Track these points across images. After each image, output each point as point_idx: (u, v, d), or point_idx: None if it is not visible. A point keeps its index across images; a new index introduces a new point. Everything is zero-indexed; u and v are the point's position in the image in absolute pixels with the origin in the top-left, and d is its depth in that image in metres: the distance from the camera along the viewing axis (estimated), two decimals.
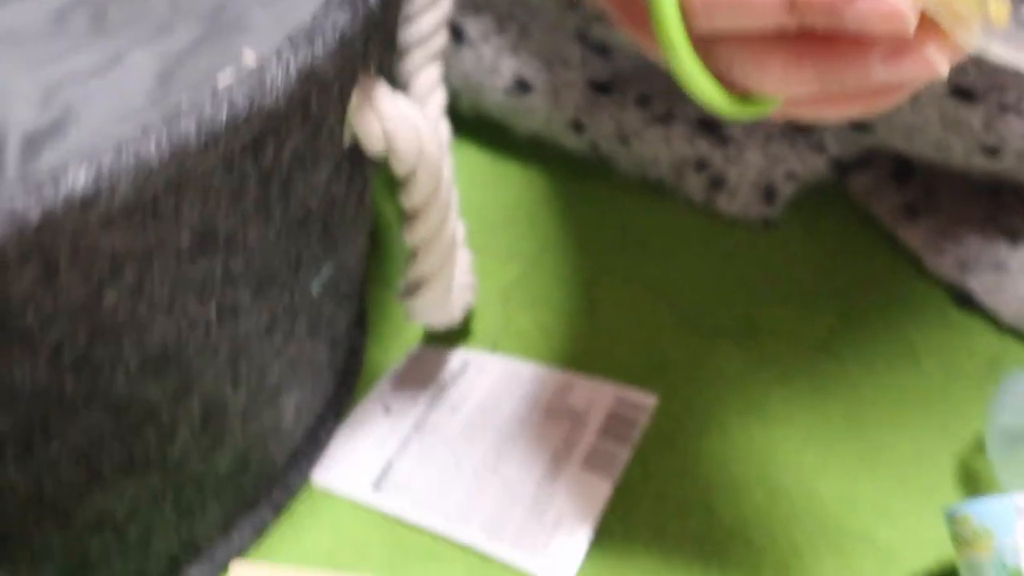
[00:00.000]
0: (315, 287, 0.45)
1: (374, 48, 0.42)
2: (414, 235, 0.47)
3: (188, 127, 0.34)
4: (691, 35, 0.35)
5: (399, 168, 0.44)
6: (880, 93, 0.34)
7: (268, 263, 0.41)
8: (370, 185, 0.48)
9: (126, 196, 0.33)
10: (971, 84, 0.54)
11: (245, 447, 0.46)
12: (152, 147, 0.33)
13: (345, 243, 0.46)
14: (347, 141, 0.43)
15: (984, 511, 0.42)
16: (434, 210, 0.46)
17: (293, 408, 0.48)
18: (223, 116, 0.34)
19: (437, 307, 0.51)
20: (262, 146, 0.37)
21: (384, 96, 0.43)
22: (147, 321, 0.37)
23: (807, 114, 0.35)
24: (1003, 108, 0.54)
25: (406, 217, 0.47)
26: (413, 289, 0.50)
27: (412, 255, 0.48)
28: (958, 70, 0.54)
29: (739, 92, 0.35)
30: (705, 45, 0.35)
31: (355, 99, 0.42)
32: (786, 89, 0.34)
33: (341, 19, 0.38)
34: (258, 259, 0.40)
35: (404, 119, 0.43)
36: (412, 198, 0.46)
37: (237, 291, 0.40)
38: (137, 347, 0.37)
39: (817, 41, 0.33)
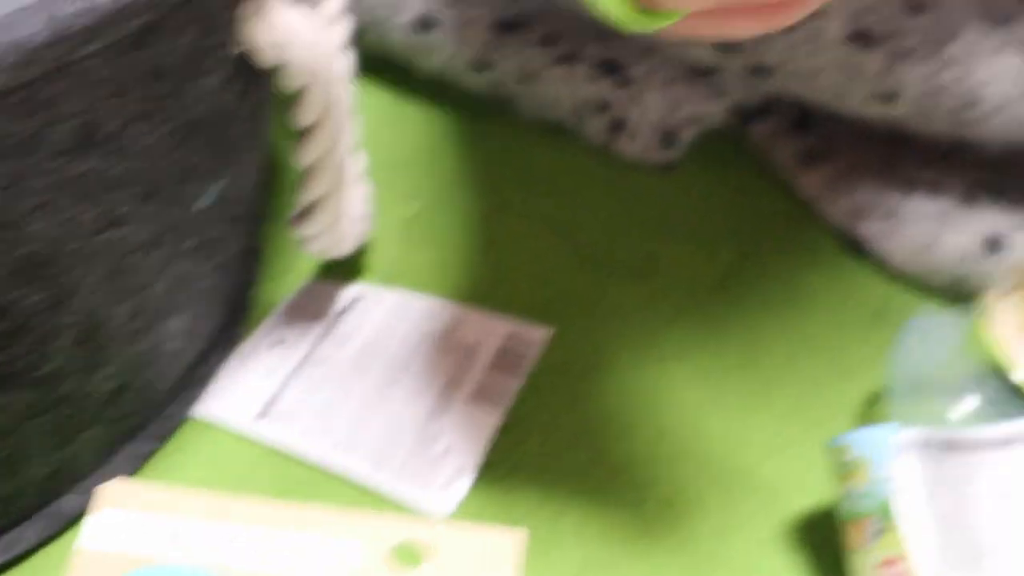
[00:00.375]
0: (205, 201, 0.44)
1: None
2: (305, 157, 0.46)
3: (70, 9, 0.33)
4: None
5: (290, 82, 0.44)
6: (780, 6, 0.34)
7: (153, 171, 0.40)
8: (266, 105, 0.48)
9: (3, 79, 0.32)
10: (869, 29, 0.54)
11: (126, 370, 0.45)
12: (32, 28, 0.32)
13: (236, 160, 0.46)
14: (238, 49, 0.42)
15: (863, 440, 0.42)
16: (325, 131, 0.45)
17: (178, 333, 0.47)
18: (108, 1, 0.33)
19: (329, 235, 0.50)
20: (149, 40, 0.36)
21: (277, 6, 0.42)
22: (21, 221, 0.36)
23: (708, 29, 0.35)
24: (901, 54, 0.54)
25: (297, 138, 0.46)
26: (304, 214, 0.49)
27: (303, 178, 0.48)
28: (857, 14, 0.54)
29: (642, 4, 0.35)
30: None
31: (248, 4, 0.41)
32: (688, 2, 0.34)
33: None
34: (142, 165, 0.39)
35: (297, 31, 0.42)
36: (303, 117, 0.45)
37: (118, 198, 0.39)
38: (9, 248, 0.36)
39: None
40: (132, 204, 0.40)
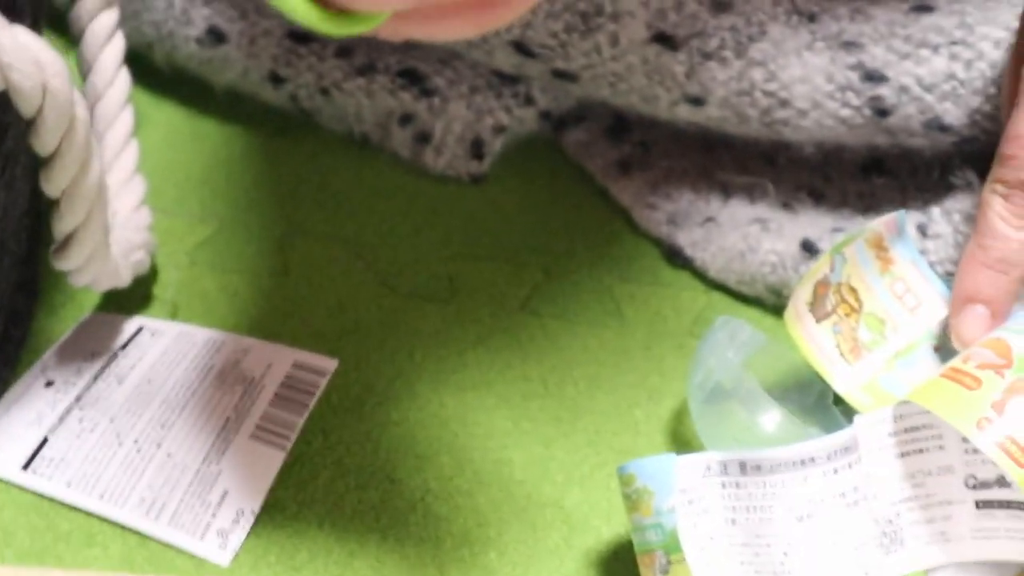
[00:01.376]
0: None
1: None
2: (51, 185, 0.43)
3: None
4: None
5: (23, 107, 0.40)
6: (486, 6, 0.31)
7: None
8: (10, 132, 0.44)
9: None
10: (672, 30, 0.52)
11: None
12: None
13: None
14: None
15: (646, 469, 0.40)
16: (69, 156, 0.42)
17: None
18: None
19: (95, 267, 0.47)
20: None
21: None
22: None
23: (416, 32, 0.32)
24: (705, 55, 0.52)
25: (41, 165, 0.42)
26: (62, 247, 0.45)
27: (55, 208, 0.44)
28: (658, 14, 0.52)
29: (335, 7, 0.32)
30: None
31: None
32: (383, 4, 0.31)
33: None
34: None
35: (22, 51, 0.39)
36: (43, 142, 0.41)
37: None
38: None
39: None
40: None
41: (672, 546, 0.39)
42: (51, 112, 0.40)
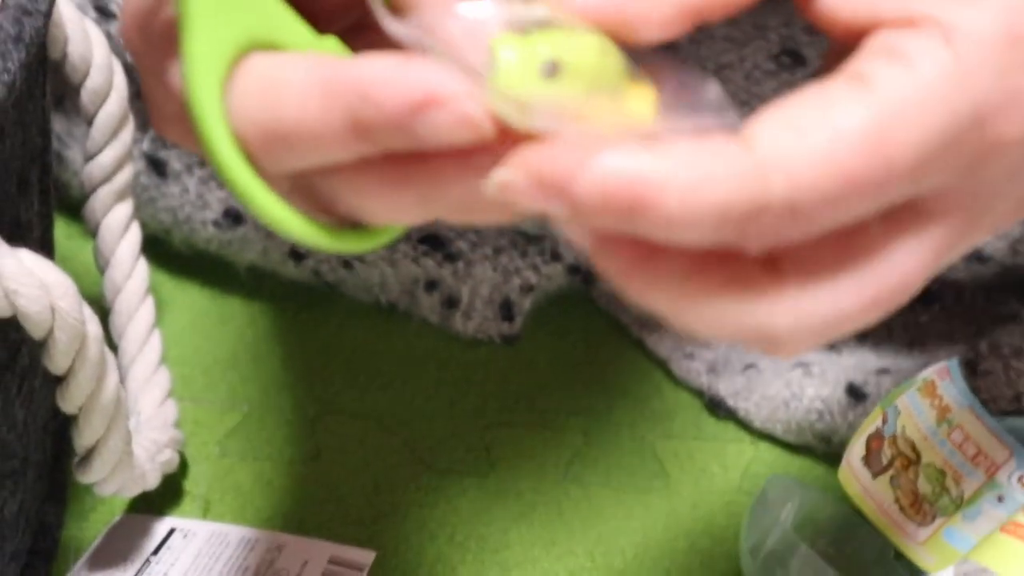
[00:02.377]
0: None
1: None
2: (67, 402, 0.42)
3: None
4: (265, 175, 0.30)
5: (33, 330, 0.39)
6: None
7: None
8: (24, 347, 0.43)
9: None
10: None
11: None
12: None
13: None
14: None
15: None
16: (83, 374, 0.41)
17: None
18: None
19: (120, 476, 0.45)
20: None
21: (1, 252, 0.38)
22: None
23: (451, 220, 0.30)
24: None
25: (56, 382, 0.41)
26: (84, 461, 0.44)
27: (74, 424, 0.43)
28: None
29: (341, 224, 0.31)
30: (298, 178, 0.30)
31: None
32: (397, 216, 0.30)
33: None
34: None
35: (27, 275, 0.38)
36: (55, 362, 0.40)
37: None
38: None
39: (415, 157, 0.29)
40: None
41: None
42: (61, 333, 0.39)
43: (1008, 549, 0.39)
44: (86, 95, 0.49)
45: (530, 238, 0.56)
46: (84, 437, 0.43)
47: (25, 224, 0.42)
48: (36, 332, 0.39)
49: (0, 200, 0.39)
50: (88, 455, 0.44)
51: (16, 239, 0.40)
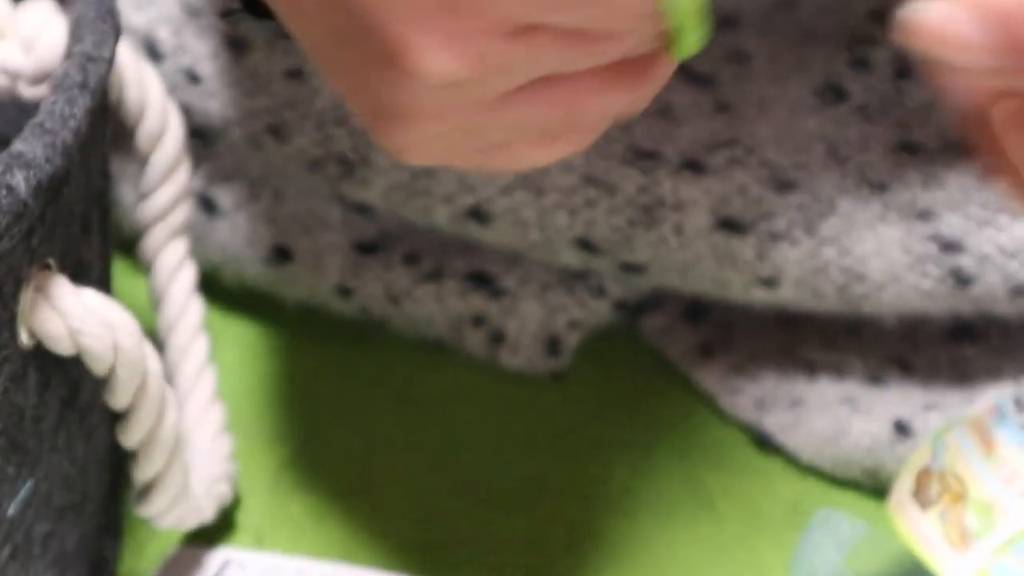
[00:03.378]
0: (12, 509, 0.40)
1: (46, 242, 0.38)
2: (129, 438, 0.43)
3: None
4: None
5: (95, 368, 0.40)
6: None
7: None
8: (84, 384, 0.44)
9: None
10: (738, 215, 0.51)
11: None
12: None
13: (51, 454, 0.42)
14: (24, 345, 0.38)
15: None
16: (144, 410, 0.42)
17: None
18: None
19: (178, 508, 0.46)
20: None
21: (65, 292, 0.39)
22: None
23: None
24: (774, 237, 0.51)
25: (117, 418, 0.42)
26: (143, 494, 0.45)
27: (134, 458, 0.44)
28: (722, 200, 0.51)
29: None
30: None
31: (27, 298, 0.38)
32: None
33: None
34: None
35: (91, 315, 0.39)
36: (116, 398, 0.41)
37: None
38: None
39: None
40: None
41: None
42: (123, 370, 0.40)
43: None
44: (141, 137, 0.50)
45: (576, 274, 0.56)
46: (144, 471, 0.44)
47: (87, 264, 0.43)
48: (98, 369, 0.40)
49: (65, 242, 0.40)
50: (147, 489, 0.45)
51: (79, 278, 0.41)
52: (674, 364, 0.57)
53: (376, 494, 0.53)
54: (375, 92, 0.35)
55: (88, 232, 0.43)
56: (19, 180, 0.35)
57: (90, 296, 0.39)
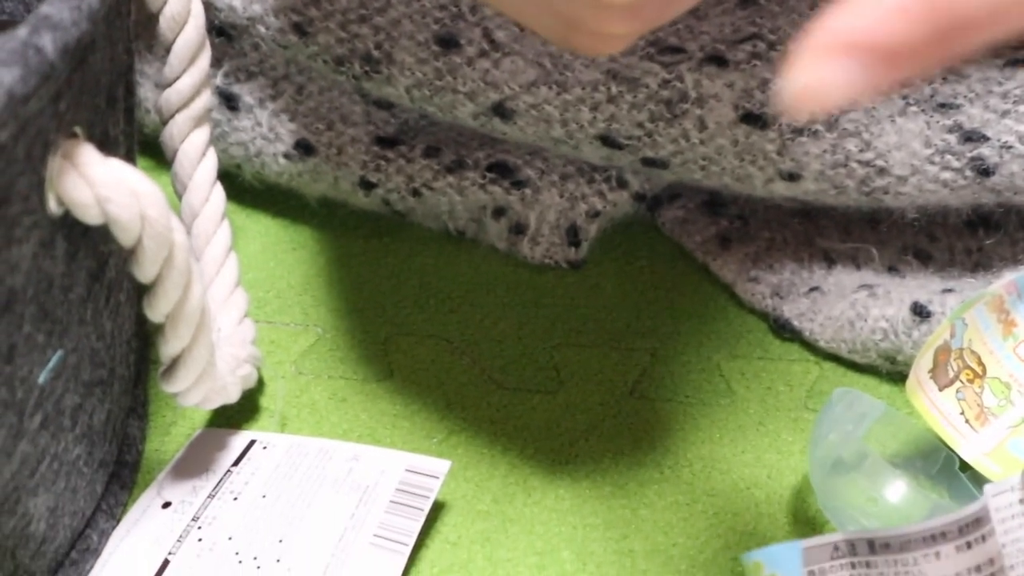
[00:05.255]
0: (42, 377, 0.41)
1: (73, 108, 0.38)
2: (155, 311, 0.43)
3: None
4: None
5: (122, 238, 0.40)
6: None
7: None
8: (111, 260, 0.44)
9: None
10: (759, 109, 0.51)
11: None
12: None
13: (78, 324, 0.42)
14: (53, 212, 0.39)
15: (773, 556, 0.39)
16: (171, 282, 0.42)
17: (45, 512, 0.44)
18: None
19: (204, 386, 0.47)
20: None
21: (93, 160, 0.39)
22: None
23: None
24: (796, 131, 0.51)
25: (144, 291, 0.43)
26: (169, 371, 0.45)
27: (160, 333, 0.44)
28: (745, 94, 0.51)
29: None
30: None
31: (55, 165, 0.38)
32: None
33: (8, 76, 0.34)
34: None
35: (119, 184, 0.39)
36: (143, 270, 0.42)
37: None
38: None
39: None
40: None
41: None
42: (150, 241, 0.41)
43: None
44: (164, 21, 0.50)
45: (596, 166, 0.57)
46: (170, 346, 0.44)
47: (113, 139, 0.43)
48: (125, 240, 0.40)
49: (91, 112, 0.40)
50: (173, 365, 0.45)
51: (105, 151, 0.41)
52: (692, 255, 0.58)
53: (398, 380, 0.53)
54: (565, 16, 0.37)
55: (113, 107, 0.43)
56: (47, 41, 0.35)
57: (117, 165, 0.39)
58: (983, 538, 0.40)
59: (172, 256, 0.42)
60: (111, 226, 0.40)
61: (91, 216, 0.39)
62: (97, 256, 0.43)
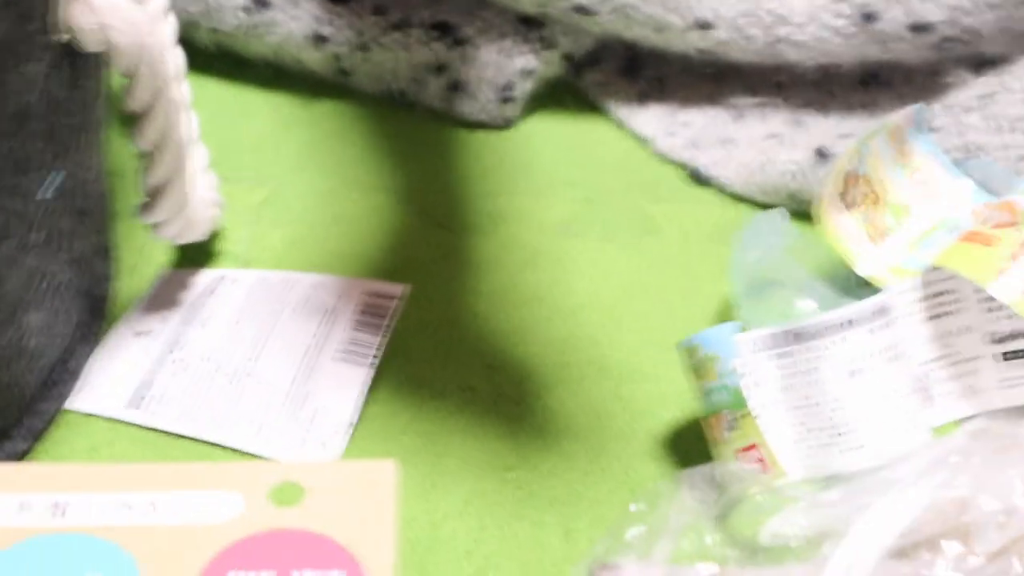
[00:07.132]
0: (49, 193, 0.44)
1: None
2: (144, 139, 0.47)
3: None
4: None
5: (120, 65, 0.44)
6: None
7: None
8: (99, 93, 0.48)
9: None
10: None
11: None
12: None
13: (75, 150, 0.46)
14: (61, 35, 0.42)
15: (708, 337, 0.44)
16: (159, 113, 0.46)
17: (37, 328, 0.47)
18: None
19: (179, 219, 0.51)
20: None
21: None
22: None
23: None
24: None
25: (134, 121, 0.47)
26: (151, 200, 0.49)
27: (145, 164, 0.48)
28: None
29: None
30: None
31: None
32: None
33: None
34: None
35: (121, 13, 0.43)
36: (137, 98, 0.46)
37: None
38: None
39: None
40: None
41: (738, 403, 0.44)
42: (146, 70, 0.44)
43: (971, 253, 0.45)
44: None
45: (531, 25, 0.61)
46: (154, 176, 0.48)
47: None
48: (124, 66, 0.44)
49: None
50: (155, 195, 0.49)
51: None
52: (612, 114, 0.63)
53: (348, 225, 0.58)
54: None
55: None
56: None
57: None
58: (886, 325, 0.46)
59: (165, 86, 0.46)
60: (111, 52, 0.44)
61: (94, 42, 0.43)
62: (89, 85, 0.47)
